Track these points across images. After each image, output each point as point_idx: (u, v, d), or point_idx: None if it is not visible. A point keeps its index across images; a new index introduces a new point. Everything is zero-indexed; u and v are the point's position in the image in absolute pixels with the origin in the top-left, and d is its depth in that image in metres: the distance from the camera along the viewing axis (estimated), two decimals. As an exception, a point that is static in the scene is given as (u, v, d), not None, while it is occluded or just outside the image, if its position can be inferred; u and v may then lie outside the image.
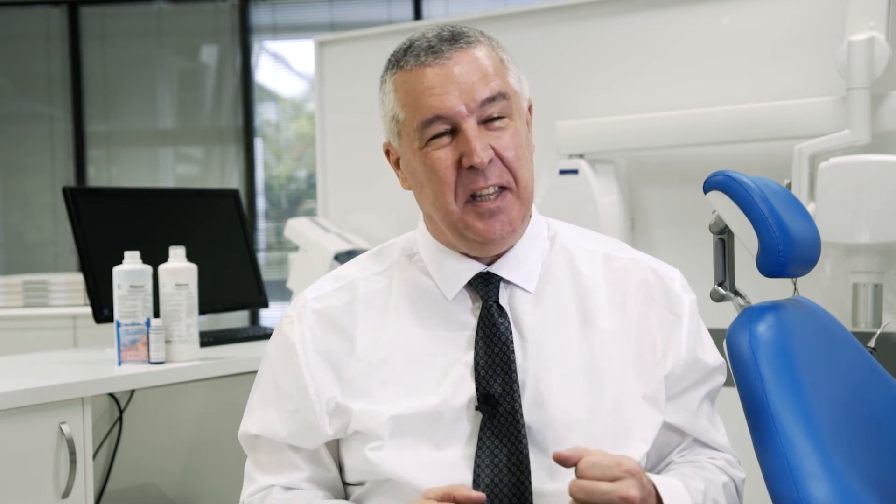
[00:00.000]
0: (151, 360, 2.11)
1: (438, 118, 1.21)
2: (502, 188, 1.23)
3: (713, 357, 1.33)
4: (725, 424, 1.41)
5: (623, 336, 1.28)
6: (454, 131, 1.22)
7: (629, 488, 1.10)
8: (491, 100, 1.22)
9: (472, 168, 1.21)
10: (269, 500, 1.29)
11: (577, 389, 1.24)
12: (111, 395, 2.33)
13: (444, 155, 1.22)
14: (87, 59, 5.77)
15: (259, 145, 5.81)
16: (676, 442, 1.32)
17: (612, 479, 1.10)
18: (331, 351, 1.29)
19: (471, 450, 1.22)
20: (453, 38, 1.23)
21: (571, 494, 1.10)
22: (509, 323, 1.27)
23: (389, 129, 1.29)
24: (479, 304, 1.28)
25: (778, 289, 1.65)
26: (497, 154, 1.22)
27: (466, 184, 1.22)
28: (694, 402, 1.31)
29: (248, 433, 1.33)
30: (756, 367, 1.35)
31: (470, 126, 1.21)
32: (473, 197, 1.23)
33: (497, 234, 1.24)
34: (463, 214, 1.23)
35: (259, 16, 5.73)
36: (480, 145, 1.20)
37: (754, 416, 1.34)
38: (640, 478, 1.12)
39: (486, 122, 1.23)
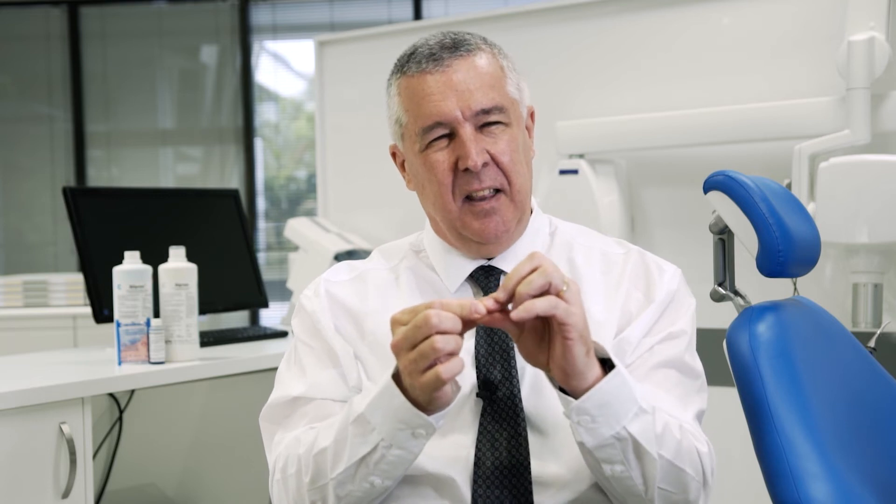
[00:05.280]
0: (151, 360, 2.11)
1: (438, 124, 1.28)
2: (497, 190, 1.29)
3: (677, 326, 1.31)
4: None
5: (608, 325, 1.31)
6: (452, 135, 1.28)
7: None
8: (487, 111, 1.27)
9: (467, 170, 1.27)
10: (302, 437, 1.25)
11: None
12: (111, 395, 2.34)
13: (442, 157, 1.28)
14: (87, 59, 5.77)
15: (259, 145, 5.80)
16: None
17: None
18: (341, 330, 1.34)
19: (472, 435, 1.24)
20: (454, 46, 1.29)
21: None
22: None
23: (394, 132, 1.35)
24: (481, 295, 1.32)
25: (778, 289, 1.65)
26: (492, 158, 1.28)
27: (462, 185, 1.28)
28: (641, 369, 1.28)
29: (285, 397, 1.30)
30: (756, 367, 1.35)
31: (466, 131, 1.27)
32: (470, 198, 1.29)
33: (492, 232, 1.30)
34: (460, 214, 1.30)
35: (259, 16, 5.72)
36: (476, 149, 1.26)
37: (754, 416, 1.34)
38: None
39: (484, 126, 1.28)
